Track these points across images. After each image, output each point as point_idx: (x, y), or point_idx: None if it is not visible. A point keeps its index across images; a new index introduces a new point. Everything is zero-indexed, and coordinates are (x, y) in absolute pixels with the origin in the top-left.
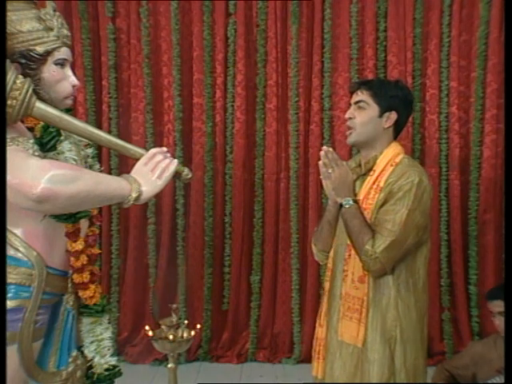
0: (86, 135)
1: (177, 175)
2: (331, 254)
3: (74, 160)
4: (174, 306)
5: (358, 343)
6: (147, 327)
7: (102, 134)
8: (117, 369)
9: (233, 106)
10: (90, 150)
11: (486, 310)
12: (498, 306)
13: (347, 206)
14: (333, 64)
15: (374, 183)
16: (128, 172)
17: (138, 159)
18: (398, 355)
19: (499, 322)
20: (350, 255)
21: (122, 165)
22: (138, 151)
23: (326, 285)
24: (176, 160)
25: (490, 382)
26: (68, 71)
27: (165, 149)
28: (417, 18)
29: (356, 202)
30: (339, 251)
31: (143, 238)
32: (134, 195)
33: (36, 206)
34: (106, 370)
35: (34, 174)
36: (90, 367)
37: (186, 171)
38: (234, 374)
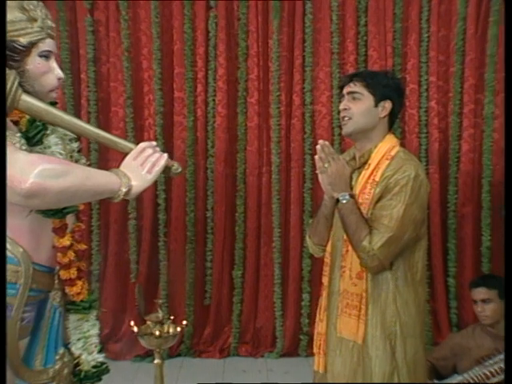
0: (73, 129)
1: (166, 170)
2: (328, 248)
3: (61, 154)
4: (160, 301)
5: (357, 339)
6: (132, 323)
7: (89, 128)
8: (104, 366)
9: (214, 100)
10: (75, 145)
11: (465, 302)
12: (481, 293)
13: (344, 202)
14: (314, 58)
15: (369, 177)
16: (108, 167)
17: (126, 153)
18: (399, 350)
19: (480, 309)
20: (347, 251)
21: (102, 159)
22: (126, 145)
23: (325, 280)
24: (166, 154)
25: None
26: (53, 63)
27: (154, 143)
28: (397, 13)
29: (353, 196)
30: (337, 247)
31: (124, 234)
32: (124, 190)
33: (25, 201)
34: (94, 366)
35: (22, 169)
36: (77, 364)
37: (175, 165)
38: (217, 368)
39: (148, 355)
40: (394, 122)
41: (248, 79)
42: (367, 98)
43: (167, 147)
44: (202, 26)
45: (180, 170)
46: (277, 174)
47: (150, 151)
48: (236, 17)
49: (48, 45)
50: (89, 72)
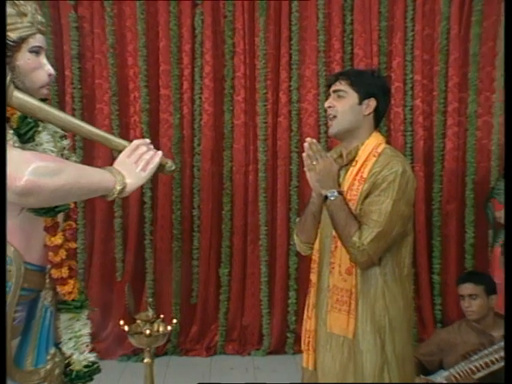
0: (66, 126)
1: (160, 167)
2: (316, 246)
3: (52, 152)
4: (150, 300)
5: (348, 335)
6: (122, 322)
7: (83, 125)
8: (95, 365)
9: (200, 97)
10: (65, 142)
11: (449, 298)
12: (468, 288)
13: (332, 198)
14: (300, 56)
15: (357, 174)
16: (94, 165)
17: (120, 151)
18: (388, 344)
19: (467, 305)
20: (336, 247)
21: (87, 157)
22: (120, 143)
23: (313, 277)
24: (160, 152)
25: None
26: (43, 59)
27: (148, 140)
28: (382, 11)
29: (341, 193)
30: (325, 243)
31: (109, 232)
32: (119, 188)
33: (19, 199)
34: (85, 366)
35: (16, 166)
36: (68, 364)
37: (169, 163)
38: (204, 367)
39: (134, 354)
40: (380, 120)
41: (234, 77)
42: (351, 96)
43: (153, 145)
44: (187, 23)
45: (174, 167)
46: (263, 172)
47: (144, 149)
48: (222, 14)
49: (38, 40)
50: (73, 68)
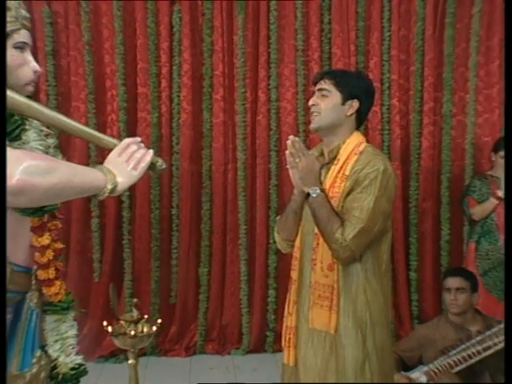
0: (55, 124)
1: (151, 166)
2: (297, 243)
3: (40, 150)
4: (135, 300)
5: (330, 330)
6: (105, 323)
7: (72, 123)
8: (82, 367)
9: (179, 96)
10: (51, 140)
11: (425, 295)
12: (457, 281)
13: (314, 195)
14: (279, 55)
15: (339, 172)
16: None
17: (110, 149)
18: (369, 338)
19: (453, 297)
20: (318, 244)
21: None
22: (110, 141)
23: (294, 274)
24: (151, 150)
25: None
26: (28, 56)
27: (138, 139)
28: (359, 11)
29: (323, 190)
30: (306, 240)
31: (86, 232)
32: (110, 187)
33: (11, 199)
34: (72, 369)
35: (7, 165)
36: (54, 367)
37: (160, 162)
38: (183, 367)
39: (112, 356)
40: (362, 121)
41: (213, 75)
42: (335, 96)
43: None
44: (165, 20)
45: (165, 166)
46: (242, 171)
47: (134, 147)
48: (200, 12)
49: (23, 36)
50: (48, 65)
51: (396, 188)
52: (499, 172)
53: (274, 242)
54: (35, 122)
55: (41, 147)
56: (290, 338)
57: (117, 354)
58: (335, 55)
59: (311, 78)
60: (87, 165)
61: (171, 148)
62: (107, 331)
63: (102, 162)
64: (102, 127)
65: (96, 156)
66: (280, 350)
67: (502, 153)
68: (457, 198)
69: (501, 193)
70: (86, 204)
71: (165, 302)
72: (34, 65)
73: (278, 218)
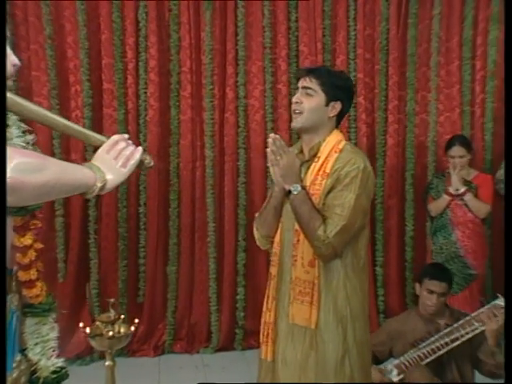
0: (42, 120)
1: (139, 163)
2: (277, 239)
3: (23, 147)
4: (112, 300)
5: (311, 325)
6: (82, 324)
7: (59, 120)
8: (64, 370)
9: (145, 92)
10: (30, 137)
11: (391, 289)
12: (442, 287)
13: (295, 193)
14: (247, 52)
15: (319, 169)
16: None
17: (98, 147)
18: (350, 333)
19: (435, 301)
20: (298, 240)
21: None
22: (98, 138)
23: (273, 270)
24: (141, 147)
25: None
26: (7, 49)
27: (126, 136)
28: (326, 10)
29: (304, 188)
30: (286, 237)
31: (50, 231)
32: (99, 185)
33: None
34: (53, 372)
35: None
36: (34, 372)
37: (147, 159)
38: (152, 367)
39: (78, 358)
40: (341, 120)
41: (180, 72)
42: (319, 96)
43: None
44: (131, 15)
45: (152, 163)
46: (211, 169)
47: (123, 144)
48: (167, 8)
49: None
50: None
51: (374, 185)
52: (453, 170)
53: (243, 239)
54: (13, 117)
55: (24, 144)
56: (268, 334)
57: (82, 357)
58: (302, 53)
59: (278, 75)
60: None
61: (138, 145)
62: (72, 333)
63: (66, 159)
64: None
65: (60, 153)
66: (249, 348)
67: (450, 152)
68: (420, 195)
69: (452, 189)
70: (50, 203)
71: (132, 301)
72: (13, 58)
73: (256, 214)
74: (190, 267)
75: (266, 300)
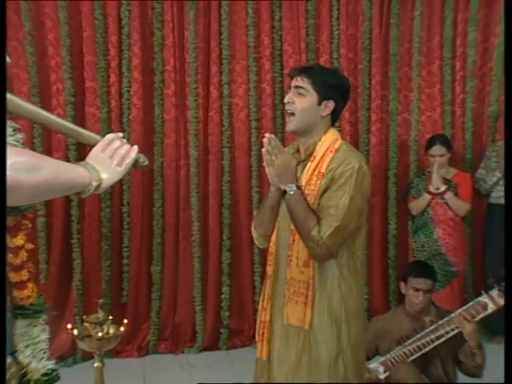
0: (35, 119)
1: (134, 162)
2: (273, 238)
3: (14, 146)
4: (101, 301)
5: (305, 325)
6: (69, 326)
7: (53, 118)
8: (55, 373)
9: (129, 91)
10: (19, 136)
11: (374, 287)
12: (427, 284)
13: (291, 193)
14: (230, 51)
15: (315, 169)
16: None
17: (92, 145)
18: (344, 333)
19: (422, 299)
20: (293, 240)
21: None
22: (92, 137)
23: (269, 269)
24: (136, 146)
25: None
26: None
27: (121, 134)
28: (309, 9)
29: (299, 188)
30: (282, 236)
31: (32, 232)
32: (95, 184)
33: None
34: (44, 374)
35: None
36: (24, 374)
37: (142, 158)
38: (136, 368)
39: (60, 360)
40: (336, 119)
41: (164, 70)
42: (312, 96)
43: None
44: (113, 13)
45: (147, 162)
46: (195, 168)
47: (118, 143)
48: (150, 6)
49: None
50: None
51: (370, 185)
52: (432, 169)
53: (228, 238)
54: None
55: (15, 142)
56: (263, 333)
57: (65, 358)
58: (286, 52)
59: (262, 74)
60: None
61: None
62: (54, 334)
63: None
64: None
65: (42, 152)
66: (234, 347)
67: (430, 151)
68: (401, 194)
69: (432, 188)
70: None
71: (116, 301)
72: None
73: (254, 213)
74: (174, 267)
75: (261, 299)
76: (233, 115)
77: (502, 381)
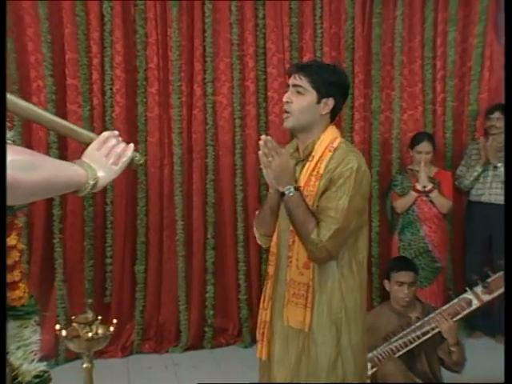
0: (29, 116)
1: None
2: (274, 239)
3: (9, 145)
4: (90, 301)
5: (304, 328)
6: (58, 326)
7: (47, 116)
8: (46, 374)
9: (111, 89)
10: (9, 134)
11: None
12: (410, 276)
13: (290, 195)
14: (214, 49)
15: (313, 170)
16: None
17: (88, 144)
18: (344, 335)
19: (407, 292)
20: (293, 241)
21: None
22: (88, 135)
23: (270, 269)
24: (132, 145)
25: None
26: None
27: (116, 132)
28: (293, 8)
29: (298, 189)
30: (282, 237)
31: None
32: (91, 182)
33: None
34: (36, 376)
35: None
36: (16, 376)
37: (137, 156)
38: (120, 368)
39: (38, 361)
40: (335, 116)
41: (147, 68)
42: (310, 94)
43: (61, 138)
44: (95, 9)
45: (142, 161)
46: (179, 166)
47: (113, 141)
48: (132, 3)
49: None
50: None
51: (370, 184)
52: (417, 166)
53: (212, 237)
54: None
55: (9, 141)
56: (263, 333)
57: (48, 359)
58: (270, 50)
59: (246, 72)
60: None
61: None
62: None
63: None
64: (28, 120)
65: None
66: (219, 346)
67: (417, 148)
68: (384, 191)
69: (419, 186)
70: None
71: (99, 301)
72: None
73: (256, 212)
74: (158, 266)
75: (262, 298)
76: (217, 113)
77: (483, 375)
